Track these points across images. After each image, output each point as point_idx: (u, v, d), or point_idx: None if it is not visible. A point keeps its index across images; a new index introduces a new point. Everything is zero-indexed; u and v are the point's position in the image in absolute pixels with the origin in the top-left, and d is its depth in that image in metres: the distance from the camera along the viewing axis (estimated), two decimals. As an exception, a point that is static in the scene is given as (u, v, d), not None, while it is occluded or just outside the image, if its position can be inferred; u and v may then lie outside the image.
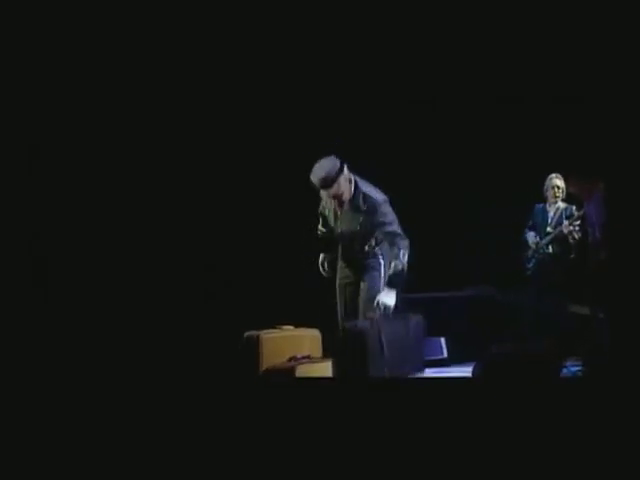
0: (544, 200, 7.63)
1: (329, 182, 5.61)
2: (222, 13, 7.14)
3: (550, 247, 7.54)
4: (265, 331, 5.95)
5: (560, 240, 7.47)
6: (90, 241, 7.18)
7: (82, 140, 7.17)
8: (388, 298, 5.58)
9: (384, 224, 5.64)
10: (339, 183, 5.62)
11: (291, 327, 6.17)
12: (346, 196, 5.68)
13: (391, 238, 5.63)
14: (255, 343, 5.82)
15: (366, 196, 5.67)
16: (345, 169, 5.63)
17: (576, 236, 7.31)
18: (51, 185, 7.05)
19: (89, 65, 6.98)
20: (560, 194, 7.52)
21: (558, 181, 7.51)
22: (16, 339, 6.03)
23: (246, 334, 5.91)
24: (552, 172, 7.52)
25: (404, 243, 5.62)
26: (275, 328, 6.10)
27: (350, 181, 5.66)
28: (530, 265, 7.61)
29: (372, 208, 5.65)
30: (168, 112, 7.41)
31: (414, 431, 3.72)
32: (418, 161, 8.11)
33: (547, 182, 7.58)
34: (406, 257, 5.60)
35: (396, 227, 5.67)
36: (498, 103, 7.65)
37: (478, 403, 3.77)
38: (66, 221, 7.07)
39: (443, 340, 7.16)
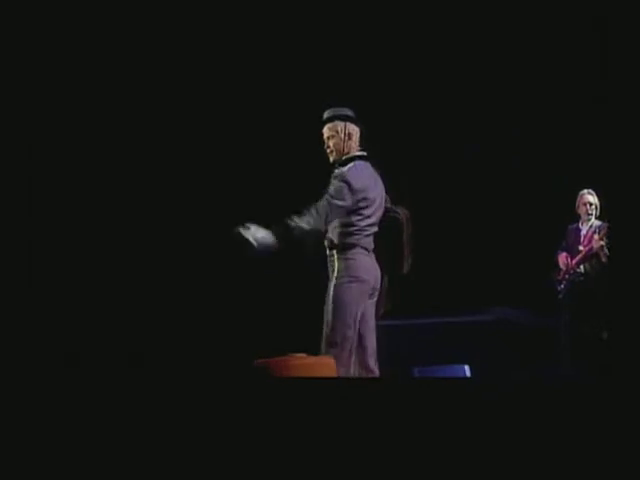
0: (577, 219, 7.27)
1: (329, 118, 5.35)
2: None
3: (582, 267, 7.14)
4: (275, 359, 5.56)
5: (592, 258, 7.06)
6: (90, 245, 7.23)
7: (81, 140, 7.22)
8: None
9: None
10: (335, 127, 5.33)
11: (304, 355, 5.83)
12: (331, 148, 5.34)
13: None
14: (264, 372, 5.51)
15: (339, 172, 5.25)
16: (351, 124, 5.32)
17: (609, 252, 6.90)
18: (50, 186, 7.06)
19: (86, 66, 7.07)
20: (593, 211, 7.15)
21: (590, 197, 7.17)
22: (13, 345, 5.89)
23: (255, 362, 5.57)
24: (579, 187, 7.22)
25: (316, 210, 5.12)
26: (287, 356, 5.75)
27: (345, 139, 5.31)
28: (561, 287, 7.20)
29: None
30: (168, 112, 7.40)
31: (413, 432, 3.65)
32: (423, 169, 7.90)
33: (578, 199, 7.23)
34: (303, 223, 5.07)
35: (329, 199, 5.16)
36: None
37: (479, 404, 3.69)
38: (65, 227, 7.10)
39: (467, 368, 6.68)
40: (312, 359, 5.80)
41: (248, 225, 5.05)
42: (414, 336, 7.18)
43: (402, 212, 5.45)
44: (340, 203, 5.18)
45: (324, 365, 5.75)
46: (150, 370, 5.45)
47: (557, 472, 3.49)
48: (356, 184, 5.21)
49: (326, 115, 5.39)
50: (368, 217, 5.28)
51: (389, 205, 5.46)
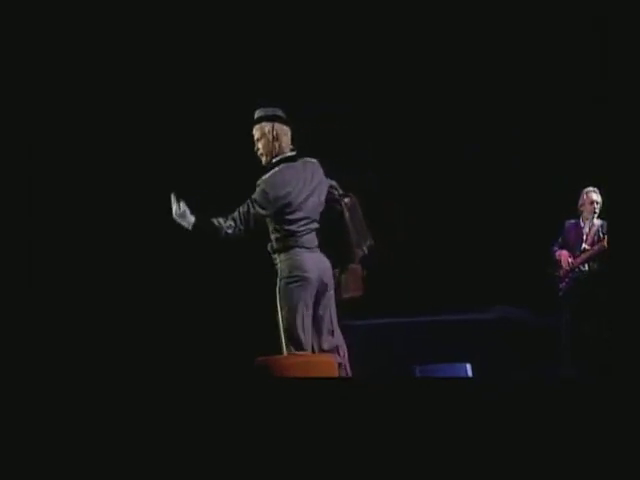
0: (577, 216, 7.25)
1: (256, 119, 5.22)
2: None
3: (587, 265, 7.14)
4: (276, 358, 5.57)
5: (598, 257, 7.06)
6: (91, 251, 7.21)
7: (81, 140, 7.24)
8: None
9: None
10: (263, 128, 5.20)
11: (304, 354, 5.82)
12: (261, 150, 5.23)
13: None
14: (265, 371, 5.51)
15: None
16: (279, 125, 5.19)
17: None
18: (50, 186, 7.08)
19: (86, 66, 7.10)
20: (598, 210, 7.13)
21: (595, 195, 7.15)
22: (13, 345, 5.89)
23: (256, 361, 5.59)
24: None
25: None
26: (287, 355, 5.74)
27: (272, 140, 5.18)
28: (562, 285, 7.19)
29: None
30: (166, 112, 7.41)
31: (413, 432, 3.64)
32: (424, 169, 7.94)
33: (583, 197, 7.20)
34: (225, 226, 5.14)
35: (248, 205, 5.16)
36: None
37: (479, 404, 3.69)
38: (65, 227, 7.14)
39: (469, 367, 6.65)
40: (312, 358, 5.81)
41: (182, 205, 5.13)
42: (415, 334, 7.17)
43: (346, 201, 5.35)
44: (259, 211, 5.15)
45: (324, 364, 5.75)
46: (150, 369, 5.46)
47: (557, 472, 3.49)
48: (275, 192, 5.15)
49: (255, 116, 5.26)
50: (299, 220, 5.20)
51: (338, 191, 5.37)
